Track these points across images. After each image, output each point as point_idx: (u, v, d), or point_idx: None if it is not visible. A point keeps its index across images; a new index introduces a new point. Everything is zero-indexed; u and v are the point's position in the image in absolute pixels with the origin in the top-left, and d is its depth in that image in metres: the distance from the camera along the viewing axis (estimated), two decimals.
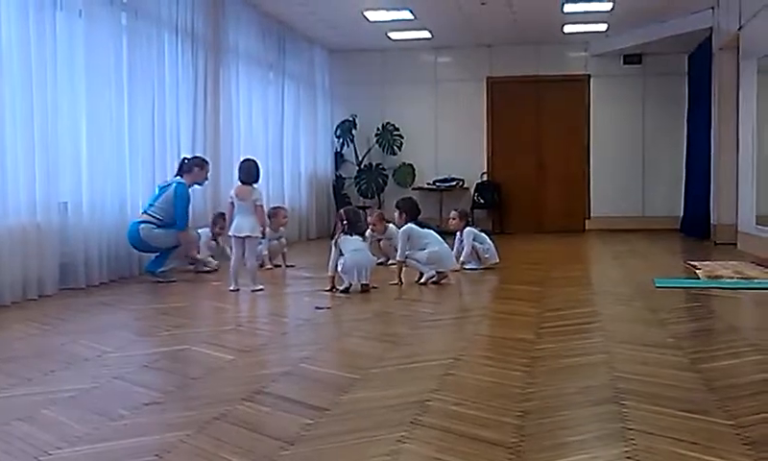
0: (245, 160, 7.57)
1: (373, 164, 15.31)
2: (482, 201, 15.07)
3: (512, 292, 7.37)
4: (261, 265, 8.62)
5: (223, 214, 8.32)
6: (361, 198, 15.06)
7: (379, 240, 9.14)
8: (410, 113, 15.33)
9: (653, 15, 12.62)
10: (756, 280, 7.41)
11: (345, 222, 7.17)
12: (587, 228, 15.05)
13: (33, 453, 2.84)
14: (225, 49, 10.70)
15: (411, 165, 15.30)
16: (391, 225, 8.85)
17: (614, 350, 4.47)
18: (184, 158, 8.48)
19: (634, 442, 2.85)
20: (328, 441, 2.96)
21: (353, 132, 15.19)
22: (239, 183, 7.34)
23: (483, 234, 8.99)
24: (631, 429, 2.99)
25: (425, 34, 14.02)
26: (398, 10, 12.21)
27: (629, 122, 15.01)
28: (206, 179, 8.59)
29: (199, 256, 8.64)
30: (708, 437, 2.92)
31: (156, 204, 7.99)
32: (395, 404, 3.40)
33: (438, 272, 7.51)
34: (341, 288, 7.00)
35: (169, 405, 3.50)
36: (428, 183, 15.13)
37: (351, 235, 7.12)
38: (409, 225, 7.68)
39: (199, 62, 9.90)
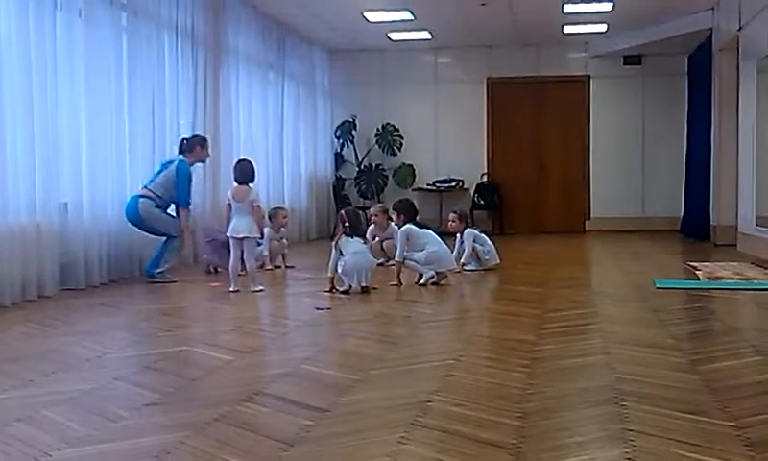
0: (240, 161, 7.56)
1: (373, 165, 15.31)
2: (482, 201, 15.08)
3: (512, 293, 7.37)
4: (262, 266, 8.63)
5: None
6: (361, 198, 15.06)
7: (381, 242, 9.13)
8: (410, 114, 15.34)
9: (653, 16, 12.63)
10: (755, 281, 7.41)
11: (346, 223, 7.17)
12: (587, 229, 15.06)
13: (33, 454, 2.84)
14: (225, 50, 10.71)
15: (411, 166, 15.30)
16: (392, 223, 8.84)
17: (615, 351, 4.47)
18: (184, 139, 8.44)
19: (634, 443, 2.85)
20: (328, 442, 2.96)
21: (353, 132, 15.20)
22: (235, 184, 7.33)
23: (483, 236, 8.97)
24: (631, 431, 2.99)
25: (425, 34, 14.03)
26: (398, 10, 12.23)
27: (629, 123, 15.02)
28: (209, 155, 8.63)
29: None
30: (709, 438, 2.91)
31: (156, 180, 7.98)
32: (395, 405, 3.40)
33: (437, 272, 7.51)
34: (341, 289, 7.00)
35: (169, 406, 3.50)
36: (428, 184, 15.14)
37: (352, 237, 7.12)
38: (408, 225, 7.68)
39: (199, 63, 9.92)
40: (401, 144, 15.22)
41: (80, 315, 6.23)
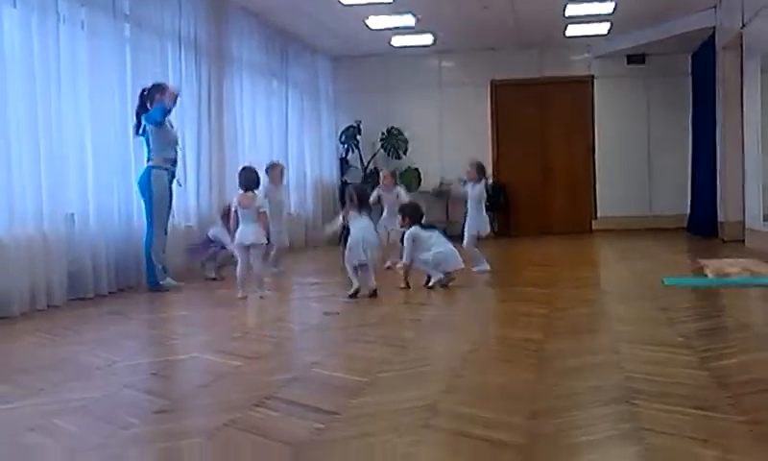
0: (244, 168, 7.58)
1: (379, 169, 15.29)
2: (488, 203, 15.02)
3: (520, 294, 7.35)
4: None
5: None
6: None
7: (388, 232, 9.15)
8: (414, 118, 15.33)
9: (655, 15, 12.61)
10: (764, 277, 7.38)
11: (355, 199, 7.20)
12: (594, 228, 15.04)
13: None
14: (228, 59, 10.73)
15: (416, 169, 15.28)
16: (398, 186, 8.78)
17: (624, 349, 4.45)
18: (143, 90, 8.03)
19: (646, 441, 2.84)
20: (339, 445, 2.96)
21: (358, 137, 15.20)
22: (240, 191, 7.34)
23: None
24: (643, 429, 2.98)
25: (428, 38, 14.02)
26: (400, 15, 12.22)
27: (634, 122, 15.00)
28: (174, 103, 8.04)
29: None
30: (721, 434, 2.90)
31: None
32: (405, 408, 3.39)
33: (445, 273, 7.50)
34: (349, 293, 7.00)
35: (179, 413, 3.50)
36: (434, 188, 15.11)
37: (361, 214, 7.15)
38: (414, 227, 7.67)
39: (202, 73, 9.94)
40: (406, 148, 15.22)
41: (89, 324, 6.24)
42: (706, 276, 7.68)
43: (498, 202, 14.98)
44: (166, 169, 7.92)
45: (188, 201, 9.25)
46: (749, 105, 10.71)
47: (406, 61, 15.32)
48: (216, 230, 8.81)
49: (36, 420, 3.40)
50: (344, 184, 15.17)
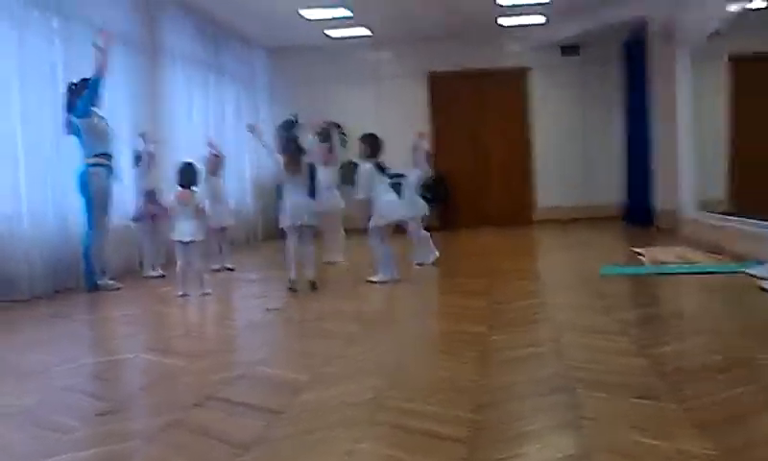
0: (183, 165, 7.49)
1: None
2: (427, 195, 15.07)
3: (460, 286, 7.39)
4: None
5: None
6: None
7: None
8: (352, 111, 15.28)
9: (589, 5, 12.75)
10: (698, 264, 7.54)
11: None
12: (533, 219, 15.17)
13: None
14: (161, 52, 10.58)
15: (354, 163, 15.25)
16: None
17: (564, 339, 4.52)
18: (70, 84, 7.86)
19: (587, 430, 2.89)
20: (284, 443, 2.95)
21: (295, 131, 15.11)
22: (179, 188, 7.27)
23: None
24: (583, 418, 3.03)
25: (364, 31, 14.00)
26: (335, 7, 12.17)
27: (569, 112, 15.15)
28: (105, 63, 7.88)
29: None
30: (660, 421, 2.96)
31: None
32: (348, 403, 3.40)
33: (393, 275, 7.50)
34: (288, 286, 7.00)
35: (121, 415, 3.46)
36: None
37: (297, 172, 7.38)
38: (371, 165, 7.68)
39: (137, 66, 9.79)
40: (345, 141, 15.19)
41: (25, 326, 6.12)
42: (642, 264, 7.81)
43: (438, 193, 15.03)
44: (102, 166, 7.79)
45: (125, 197, 9.10)
46: (681, 93, 10.89)
47: (343, 54, 15.27)
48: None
49: None
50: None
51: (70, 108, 7.76)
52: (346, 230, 9.66)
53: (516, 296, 6.36)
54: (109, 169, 7.88)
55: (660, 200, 11.95)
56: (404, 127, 15.27)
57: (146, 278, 8.60)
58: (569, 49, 14.87)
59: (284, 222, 7.24)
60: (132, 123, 9.54)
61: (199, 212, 7.24)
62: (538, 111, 15.26)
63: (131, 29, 9.73)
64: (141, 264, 8.94)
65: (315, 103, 15.04)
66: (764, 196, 9.28)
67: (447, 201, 15.14)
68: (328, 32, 13.90)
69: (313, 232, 7.41)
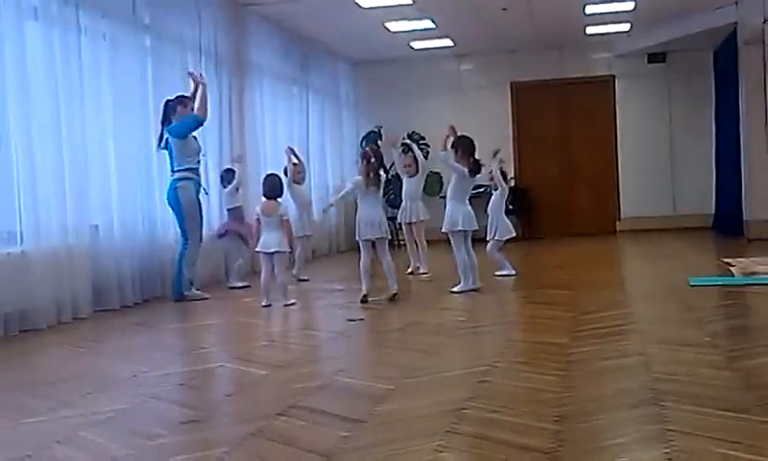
0: (268, 176, 7.60)
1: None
2: (510, 206, 14.99)
3: (544, 297, 7.31)
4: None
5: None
6: (390, 208, 15.02)
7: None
8: (435, 122, 15.19)
9: (676, 13, 12.52)
10: None
11: (372, 160, 7.36)
12: (618, 229, 14.94)
13: None
14: (248, 67, 10.76)
15: (438, 173, 15.25)
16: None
17: (651, 350, 4.43)
18: (167, 101, 7.99)
19: (674, 443, 2.82)
20: (365, 453, 2.95)
21: (379, 143, 15.16)
22: (264, 199, 7.36)
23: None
24: (670, 431, 2.96)
25: (448, 42, 14.01)
26: (420, 19, 12.22)
27: (656, 121, 14.89)
28: (194, 109, 8.00)
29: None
30: (749, 435, 2.88)
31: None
32: (430, 413, 3.39)
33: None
34: (360, 299, 7.03)
35: (206, 423, 3.51)
36: None
37: (372, 185, 7.35)
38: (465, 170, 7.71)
39: (223, 81, 9.97)
40: (428, 152, 15.19)
41: (114, 335, 6.27)
42: (732, 275, 7.61)
43: (522, 204, 14.92)
44: (191, 179, 7.93)
45: (211, 210, 9.26)
46: None
47: (426, 65, 15.29)
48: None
49: (63, 432, 3.42)
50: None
51: (165, 123, 7.92)
52: (428, 241, 9.61)
53: (602, 306, 6.25)
54: (197, 183, 8.01)
55: (750, 210, 11.65)
56: (487, 138, 15.24)
57: (231, 288, 8.72)
58: (656, 56, 14.61)
59: (358, 235, 7.30)
60: (219, 139, 9.72)
61: (283, 224, 7.31)
62: (623, 120, 15.03)
63: (219, 47, 9.91)
64: (227, 274, 9.07)
65: (398, 115, 15.10)
66: None
67: (530, 212, 15.01)
68: (412, 44, 13.95)
69: (386, 244, 7.39)
